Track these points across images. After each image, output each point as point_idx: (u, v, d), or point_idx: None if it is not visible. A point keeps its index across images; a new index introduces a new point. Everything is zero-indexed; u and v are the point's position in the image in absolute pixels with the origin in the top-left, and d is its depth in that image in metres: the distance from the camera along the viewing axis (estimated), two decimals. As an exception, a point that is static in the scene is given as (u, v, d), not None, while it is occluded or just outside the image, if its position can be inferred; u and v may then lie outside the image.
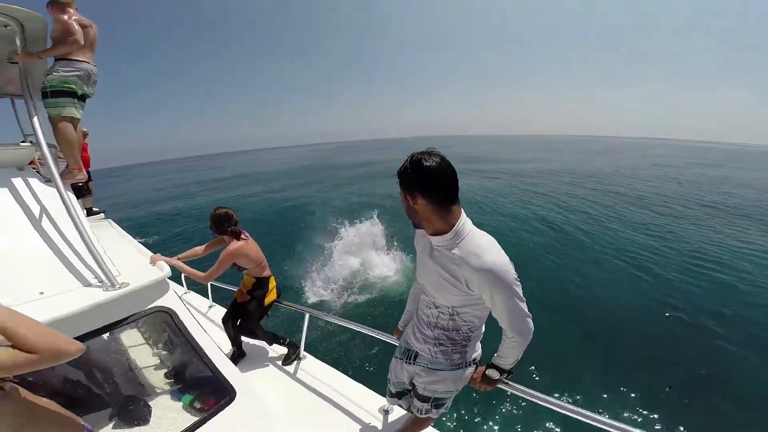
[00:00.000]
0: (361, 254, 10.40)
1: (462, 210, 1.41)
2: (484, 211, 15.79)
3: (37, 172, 2.51)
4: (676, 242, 11.29)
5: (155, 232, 16.25)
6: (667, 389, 5.06)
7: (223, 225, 3.00)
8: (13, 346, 0.96)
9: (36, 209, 2.16)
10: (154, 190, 35.82)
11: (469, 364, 1.69)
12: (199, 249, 3.20)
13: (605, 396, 4.94)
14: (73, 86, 2.59)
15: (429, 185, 1.31)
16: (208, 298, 4.93)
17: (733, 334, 6.40)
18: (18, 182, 2.23)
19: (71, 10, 2.53)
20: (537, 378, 5.20)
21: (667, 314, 7.10)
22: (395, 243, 11.10)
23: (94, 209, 5.19)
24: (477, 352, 1.72)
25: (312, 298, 8.52)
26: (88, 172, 5.93)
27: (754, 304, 7.45)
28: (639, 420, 4.54)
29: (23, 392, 1.11)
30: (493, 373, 1.66)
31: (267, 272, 3.27)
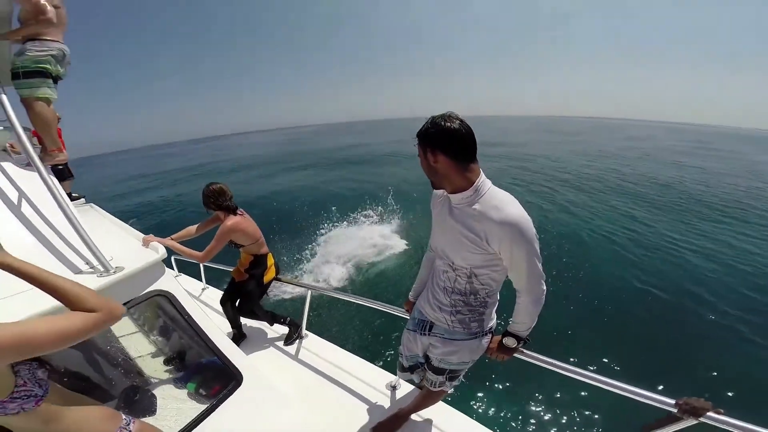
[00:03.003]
0: (357, 233, 10.38)
1: (480, 169, 1.41)
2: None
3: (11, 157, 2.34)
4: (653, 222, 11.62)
5: (138, 221, 15.81)
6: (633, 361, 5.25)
7: (219, 200, 2.88)
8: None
9: (15, 196, 2.00)
10: (130, 179, 34.64)
11: (486, 333, 1.66)
12: (192, 228, 3.07)
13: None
14: (48, 66, 2.50)
15: (450, 142, 1.34)
16: (201, 281, 4.82)
17: (699, 308, 6.72)
18: None
19: None
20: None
21: (642, 287, 7.39)
22: (393, 218, 11.07)
23: (73, 194, 5.00)
24: (493, 320, 1.69)
25: (310, 279, 8.48)
26: (64, 158, 5.68)
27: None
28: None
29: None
30: (510, 341, 1.64)
31: (265, 249, 3.17)
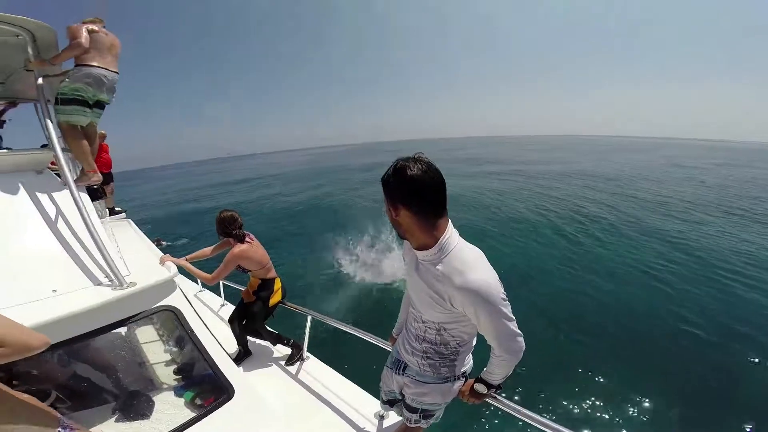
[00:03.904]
0: (371, 257, 10.46)
1: (449, 222, 1.31)
2: (495, 216, 15.34)
3: (57, 175, 2.66)
4: (698, 251, 10.85)
5: (175, 234, 16.74)
6: (674, 409, 4.93)
7: (227, 228, 3.08)
8: None
9: (52, 211, 2.28)
10: (174, 192, 37.08)
11: (458, 378, 1.65)
12: (207, 250, 3.29)
13: (612, 412, 4.84)
14: (83, 94, 2.65)
15: (412, 196, 1.21)
16: (221, 297, 5.07)
17: (749, 351, 6.19)
18: (36, 185, 2.37)
19: (90, 23, 2.64)
20: (542, 392, 5.02)
21: (684, 328, 6.87)
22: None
23: (116, 209, 5.38)
24: (467, 365, 1.67)
25: (319, 299, 8.59)
26: (110, 174, 6.09)
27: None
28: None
29: None
30: (480, 388, 1.61)
31: (272, 274, 3.35)
